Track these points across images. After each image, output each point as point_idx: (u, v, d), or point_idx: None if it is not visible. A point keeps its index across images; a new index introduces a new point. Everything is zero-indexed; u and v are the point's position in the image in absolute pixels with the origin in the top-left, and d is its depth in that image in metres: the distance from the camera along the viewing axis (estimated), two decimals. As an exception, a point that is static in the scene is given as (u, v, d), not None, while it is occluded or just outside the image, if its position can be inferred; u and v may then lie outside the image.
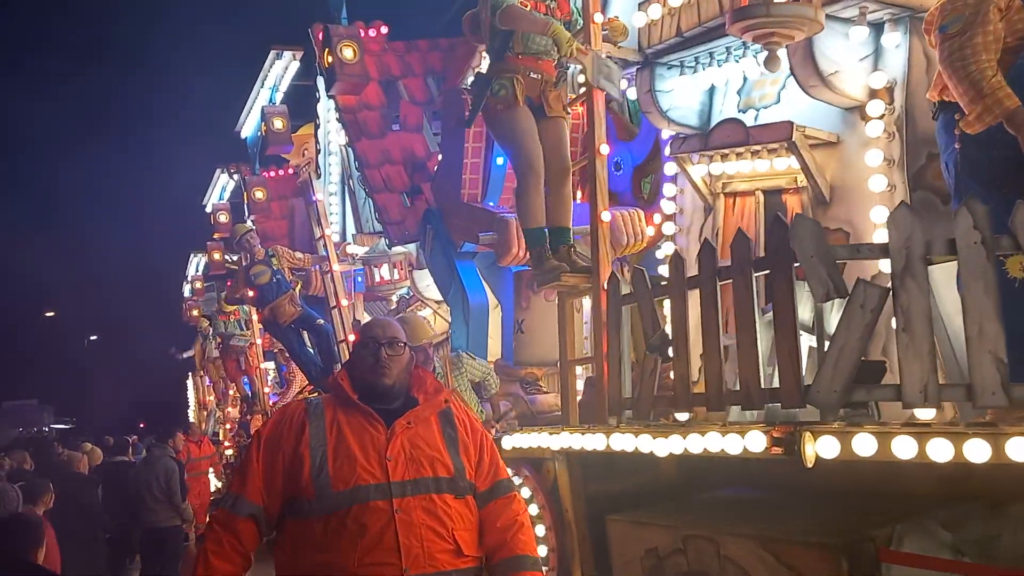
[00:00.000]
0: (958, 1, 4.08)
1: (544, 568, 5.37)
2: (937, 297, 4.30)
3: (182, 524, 10.72)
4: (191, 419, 24.95)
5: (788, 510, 4.58)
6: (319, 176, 13.40)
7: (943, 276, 4.25)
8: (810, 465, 3.81)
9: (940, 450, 3.44)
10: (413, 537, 3.04)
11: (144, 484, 10.30)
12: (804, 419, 4.04)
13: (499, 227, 7.89)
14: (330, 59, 11.67)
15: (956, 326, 4.65)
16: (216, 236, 19.62)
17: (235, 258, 14.30)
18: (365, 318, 12.00)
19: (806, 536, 4.09)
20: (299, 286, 12.24)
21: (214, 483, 16.46)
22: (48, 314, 50.79)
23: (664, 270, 6.11)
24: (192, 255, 25.66)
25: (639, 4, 6.18)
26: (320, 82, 12.85)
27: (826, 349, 3.97)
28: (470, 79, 10.71)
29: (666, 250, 6.52)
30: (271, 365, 17.67)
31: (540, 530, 5.53)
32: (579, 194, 7.15)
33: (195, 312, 23.44)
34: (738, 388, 4.34)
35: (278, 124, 14.85)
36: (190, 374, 27.52)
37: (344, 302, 11.97)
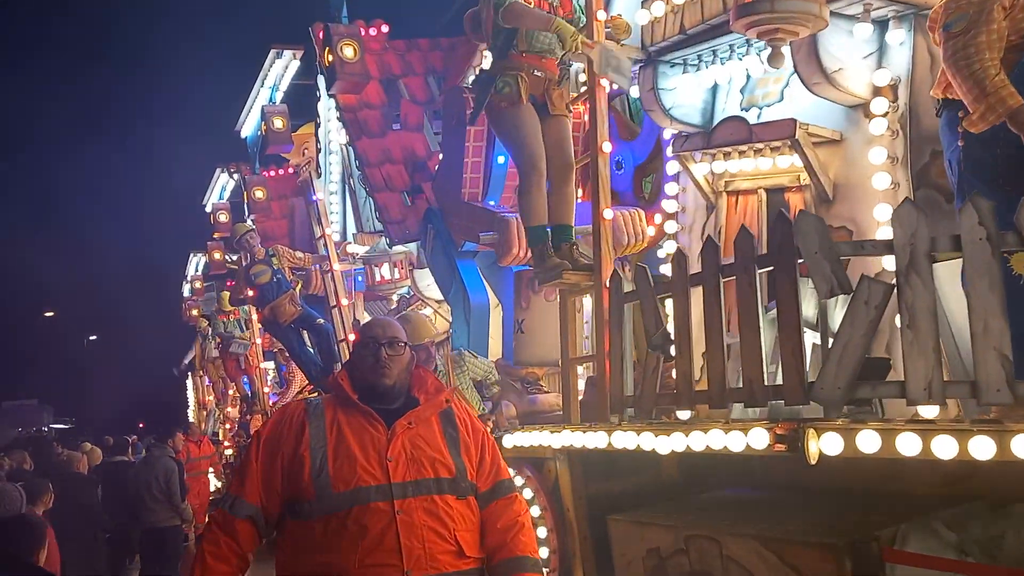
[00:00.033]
0: None
1: (545, 570, 5.35)
2: (940, 295, 4.28)
3: (181, 524, 10.72)
4: (191, 419, 24.95)
5: (790, 510, 4.56)
6: (319, 175, 13.38)
7: (946, 274, 4.24)
8: (813, 462, 3.79)
9: (944, 447, 3.42)
10: (415, 538, 3.02)
11: (144, 484, 10.31)
12: (807, 416, 4.01)
13: (500, 227, 7.88)
14: (331, 58, 11.67)
15: (960, 324, 4.65)
16: (216, 236, 19.61)
17: (235, 258, 14.29)
18: (365, 318, 11.99)
19: (809, 536, 4.07)
20: (299, 285, 12.23)
21: (214, 483, 16.46)
22: (48, 314, 50.81)
23: (665, 269, 6.10)
24: (192, 255, 25.66)
25: (642, 1, 6.16)
26: (321, 81, 12.83)
27: (830, 346, 3.94)
28: (471, 78, 10.71)
29: (668, 249, 6.50)
30: (271, 365, 17.66)
31: (542, 532, 5.51)
32: (579, 192, 7.13)
33: (195, 312, 23.44)
34: (741, 386, 4.31)
35: (278, 123, 14.84)
36: (189, 374, 27.51)
37: (344, 301, 11.97)
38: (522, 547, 3.24)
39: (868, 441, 3.62)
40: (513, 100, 5.85)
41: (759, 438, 3.99)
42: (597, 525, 5.31)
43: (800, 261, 3.96)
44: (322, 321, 11.80)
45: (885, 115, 5.29)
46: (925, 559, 3.83)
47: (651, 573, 4.78)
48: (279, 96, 16.63)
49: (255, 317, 15.61)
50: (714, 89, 6.33)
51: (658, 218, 7.47)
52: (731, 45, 5.86)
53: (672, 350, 4.76)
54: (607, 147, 5.70)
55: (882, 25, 5.31)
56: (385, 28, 12.53)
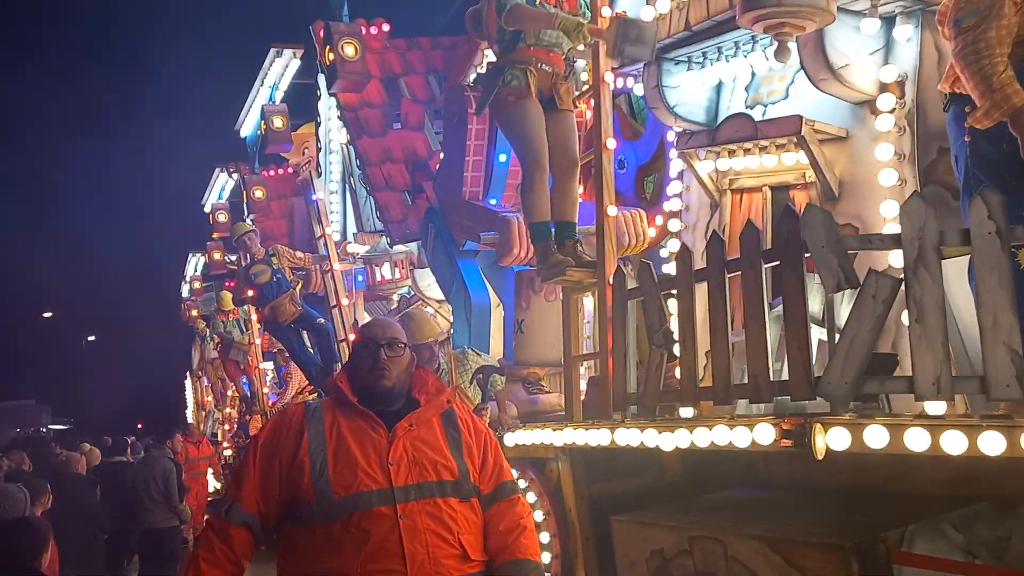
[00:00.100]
0: None
1: (547, 574, 5.31)
2: (947, 292, 4.23)
3: (180, 525, 10.70)
4: (190, 420, 24.92)
5: (795, 510, 4.51)
6: (320, 174, 13.36)
7: (953, 271, 4.19)
8: (820, 457, 3.73)
9: (954, 443, 3.36)
10: (418, 543, 2.98)
11: (142, 485, 10.31)
12: (814, 411, 3.97)
13: (501, 227, 7.85)
14: (331, 56, 11.66)
15: (966, 321, 4.61)
16: (215, 236, 19.60)
17: (234, 258, 14.27)
18: (365, 318, 11.96)
19: (816, 537, 4.01)
20: (299, 285, 12.20)
21: (213, 484, 16.43)
22: (46, 314, 50.78)
23: (668, 269, 6.07)
24: (191, 255, 25.64)
25: (647, -2, 6.13)
26: (321, 80, 12.83)
27: (836, 341, 3.90)
28: (472, 77, 10.70)
29: (671, 247, 6.47)
30: (270, 365, 17.64)
31: (544, 537, 5.46)
32: (581, 190, 7.09)
33: (194, 312, 23.44)
34: (746, 381, 4.26)
35: (278, 123, 14.84)
36: (188, 374, 27.49)
37: (344, 301, 11.93)
38: (524, 550, 3.20)
39: (876, 436, 3.56)
40: (521, 93, 5.82)
41: (765, 433, 3.93)
42: (599, 526, 5.27)
43: (807, 255, 3.92)
44: (322, 321, 11.77)
45: (892, 111, 5.26)
46: (933, 561, 3.77)
47: (655, 574, 4.73)
48: (279, 95, 16.62)
49: (255, 317, 15.59)
50: (719, 87, 6.31)
51: (659, 219, 7.44)
52: (736, 42, 5.84)
53: (675, 350, 4.72)
54: (611, 143, 5.66)
55: (889, 21, 5.28)
56: (386, 27, 12.56)
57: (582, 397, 5.98)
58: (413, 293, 11.55)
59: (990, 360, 3.48)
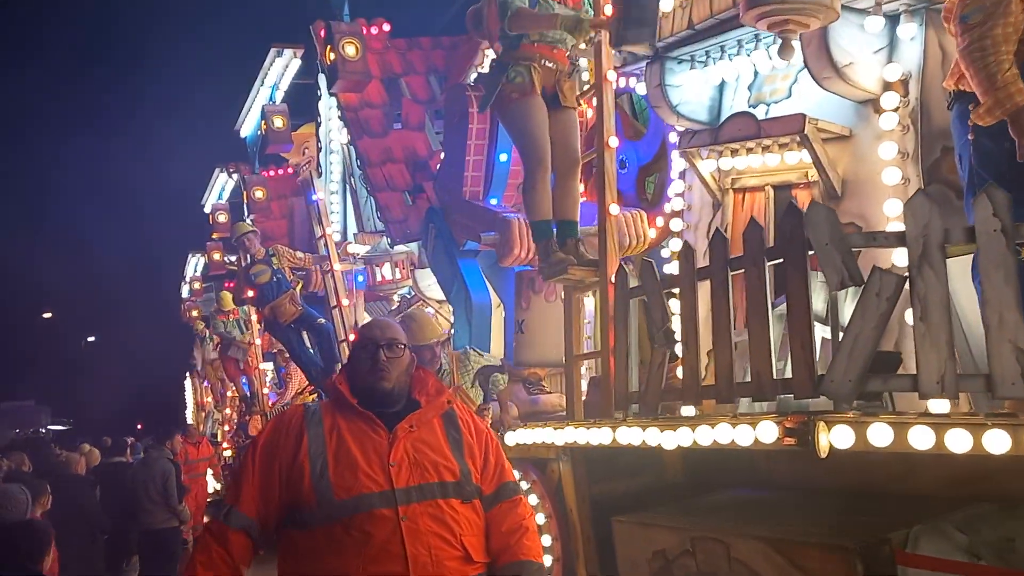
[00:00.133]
0: None
1: (548, 576, 5.31)
2: (951, 290, 4.22)
3: (179, 526, 10.68)
4: (189, 420, 24.91)
5: (798, 511, 4.49)
6: (320, 174, 13.33)
7: (956, 269, 4.17)
8: (824, 455, 3.71)
9: (958, 441, 3.34)
10: (420, 545, 2.96)
11: (141, 485, 10.32)
12: (817, 409, 3.95)
13: (501, 227, 7.82)
14: (332, 56, 11.63)
15: (970, 320, 4.59)
16: (215, 236, 19.57)
17: (234, 259, 14.25)
18: (365, 318, 11.93)
19: (820, 538, 3.99)
20: (300, 285, 12.18)
21: (212, 485, 16.41)
22: (46, 315, 50.76)
23: (669, 269, 6.04)
24: (190, 255, 25.62)
25: (651, -4, 6.10)
26: (322, 79, 12.80)
27: (840, 339, 3.87)
28: (473, 76, 10.68)
29: (673, 247, 6.45)
30: (269, 366, 17.62)
31: (546, 540, 5.44)
32: (581, 187, 7.08)
33: (194, 313, 23.44)
34: (748, 380, 4.24)
35: (278, 123, 14.82)
36: (188, 375, 27.48)
37: (345, 302, 11.91)
38: (526, 551, 3.19)
39: (880, 434, 3.53)
40: (525, 90, 5.82)
41: (768, 432, 3.90)
42: (601, 526, 5.24)
43: (810, 253, 3.89)
44: (323, 321, 11.76)
45: (896, 110, 5.24)
46: (937, 562, 3.76)
47: (656, 575, 4.71)
48: (279, 95, 16.60)
49: (255, 318, 15.57)
50: (721, 86, 6.28)
51: (660, 221, 7.41)
52: (739, 40, 5.81)
53: (677, 350, 4.70)
54: (614, 142, 5.65)
55: (893, 19, 5.26)
56: (387, 27, 12.55)
57: (583, 397, 5.95)
58: (414, 293, 11.52)
59: (995, 358, 3.46)
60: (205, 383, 23.88)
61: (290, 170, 16.10)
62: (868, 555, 3.75)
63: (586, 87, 6.67)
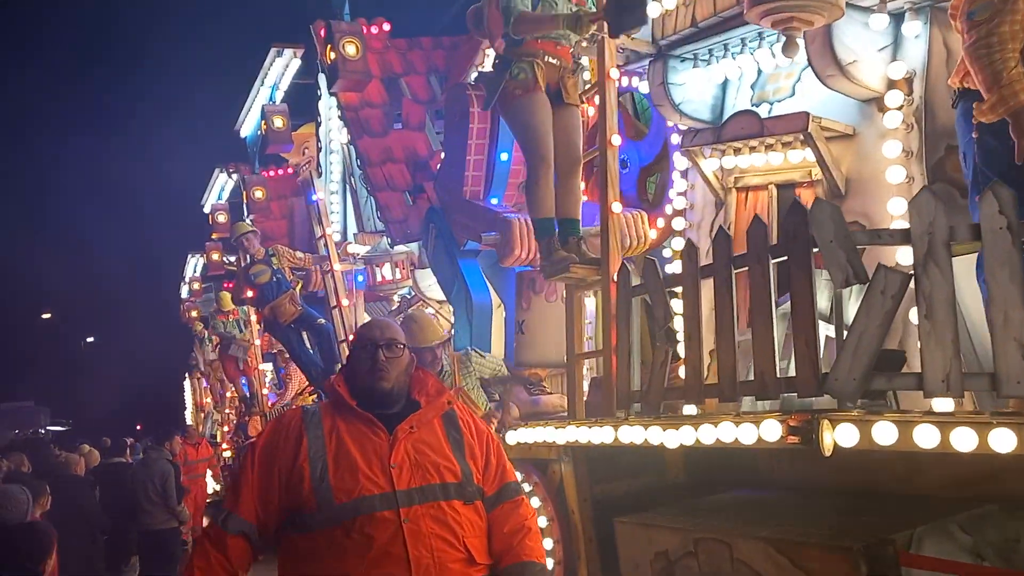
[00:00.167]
0: None
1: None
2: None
3: (179, 526, 10.66)
4: (188, 421, 24.89)
5: (801, 512, 4.46)
6: (320, 174, 13.30)
7: (961, 269, 4.15)
8: (828, 454, 3.68)
9: (964, 440, 3.31)
10: (423, 547, 2.93)
11: (140, 486, 10.30)
12: (821, 408, 3.92)
13: (502, 227, 7.79)
14: (332, 55, 11.59)
15: (974, 319, 4.57)
16: (214, 236, 19.53)
17: (233, 259, 14.22)
18: (365, 319, 11.90)
19: (823, 539, 3.96)
20: (299, 285, 12.15)
21: (212, 486, 16.39)
22: (45, 315, 50.75)
23: (671, 269, 6.02)
24: (190, 256, 25.60)
25: (654, -6, 6.09)
26: (322, 79, 12.77)
27: (845, 337, 3.85)
28: (474, 76, 10.65)
29: (676, 245, 6.43)
30: (269, 366, 17.59)
31: (548, 543, 5.41)
32: (582, 185, 7.06)
33: (193, 313, 23.43)
34: (752, 379, 4.21)
35: (278, 123, 14.77)
36: (188, 375, 27.47)
37: (345, 302, 11.88)
38: (529, 552, 3.16)
39: (884, 432, 3.50)
40: (528, 87, 5.80)
41: (771, 430, 3.88)
42: (602, 527, 5.22)
43: (815, 250, 3.87)
44: (323, 321, 11.73)
45: (900, 108, 5.23)
46: (941, 563, 3.73)
47: (658, 576, 4.69)
48: (279, 95, 16.55)
49: (254, 318, 15.54)
50: (724, 85, 6.28)
51: (660, 222, 7.38)
52: (743, 39, 5.80)
53: (679, 350, 4.67)
54: (616, 140, 5.63)
55: (898, 17, 5.25)
56: (387, 26, 12.51)
57: (584, 398, 5.92)
58: (414, 294, 11.49)
59: (1001, 357, 3.43)
60: (204, 384, 23.86)
61: (290, 170, 16.06)
62: (872, 556, 3.72)
63: (587, 86, 6.65)
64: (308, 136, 14.94)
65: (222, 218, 19.55)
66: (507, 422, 6.61)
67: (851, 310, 4.07)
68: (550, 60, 5.86)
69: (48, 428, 36.27)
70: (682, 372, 4.76)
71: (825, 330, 4.38)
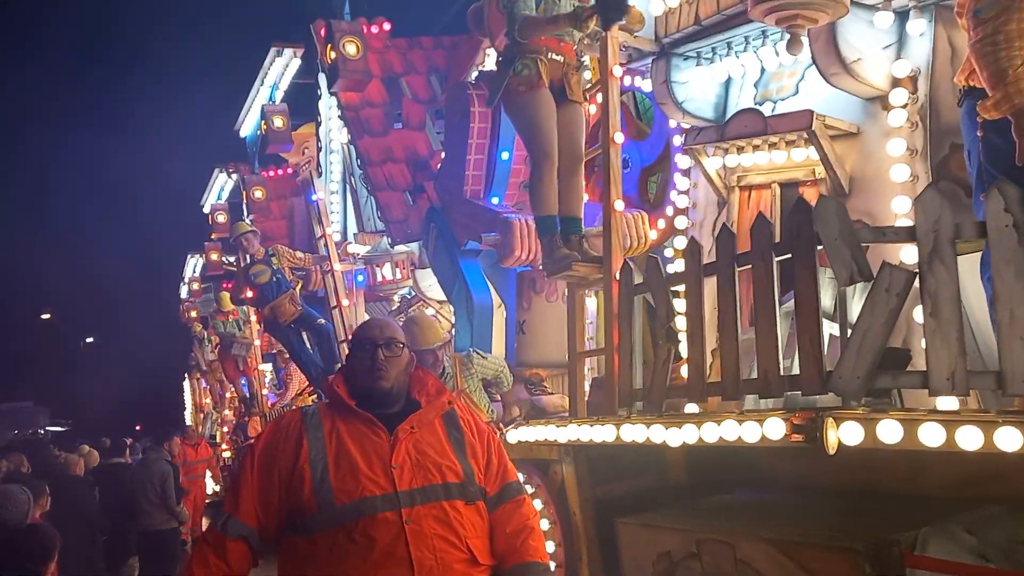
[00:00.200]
0: None
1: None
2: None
3: (179, 526, 10.64)
4: (188, 422, 24.88)
5: (804, 513, 4.44)
6: (320, 174, 13.28)
7: (965, 268, 4.13)
8: (832, 452, 3.65)
9: (969, 438, 3.28)
10: (425, 548, 2.89)
11: (139, 486, 10.28)
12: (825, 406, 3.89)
13: (502, 228, 7.76)
14: (333, 55, 11.58)
15: (979, 318, 4.54)
16: (214, 236, 19.52)
17: (232, 259, 14.19)
18: (365, 319, 11.87)
19: (827, 540, 3.94)
20: (299, 285, 12.13)
21: (211, 486, 16.37)
22: (44, 315, 50.74)
23: (673, 269, 5.99)
24: (189, 256, 25.60)
25: (656, -9, 6.07)
26: (322, 79, 12.75)
27: (849, 335, 3.82)
28: (474, 75, 10.63)
29: (678, 244, 6.40)
30: (269, 367, 17.57)
31: (550, 546, 5.38)
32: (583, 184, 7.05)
33: (193, 313, 23.43)
34: (755, 376, 4.18)
35: (278, 122, 14.76)
36: (187, 376, 27.46)
37: (345, 302, 11.86)
38: (531, 552, 3.12)
39: (889, 431, 3.47)
40: (532, 83, 5.78)
41: (775, 428, 3.85)
42: (604, 528, 5.19)
43: (819, 248, 3.84)
44: (323, 321, 11.70)
45: (904, 106, 5.21)
46: (946, 564, 3.70)
47: (660, 576, 4.66)
48: (279, 95, 16.54)
49: (254, 318, 15.51)
50: (727, 83, 6.26)
51: (661, 223, 7.36)
52: (746, 37, 5.79)
53: (681, 350, 4.65)
54: (619, 138, 5.60)
55: (902, 15, 5.24)
56: (387, 26, 12.50)
57: (586, 397, 5.90)
58: (414, 294, 11.48)
59: (1006, 355, 3.40)
60: (204, 384, 23.84)
61: (290, 170, 16.05)
62: (876, 557, 3.70)
63: (588, 85, 6.63)
64: (308, 136, 14.93)
65: (222, 218, 19.54)
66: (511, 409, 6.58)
67: (855, 308, 4.05)
68: (554, 57, 5.84)
69: (47, 428, 36.28)
70: (684, 371, 4.74)
71: (829, 328, 4.35)
